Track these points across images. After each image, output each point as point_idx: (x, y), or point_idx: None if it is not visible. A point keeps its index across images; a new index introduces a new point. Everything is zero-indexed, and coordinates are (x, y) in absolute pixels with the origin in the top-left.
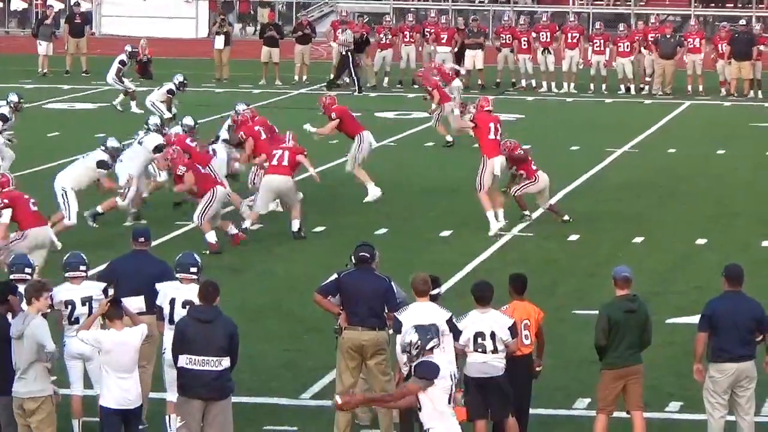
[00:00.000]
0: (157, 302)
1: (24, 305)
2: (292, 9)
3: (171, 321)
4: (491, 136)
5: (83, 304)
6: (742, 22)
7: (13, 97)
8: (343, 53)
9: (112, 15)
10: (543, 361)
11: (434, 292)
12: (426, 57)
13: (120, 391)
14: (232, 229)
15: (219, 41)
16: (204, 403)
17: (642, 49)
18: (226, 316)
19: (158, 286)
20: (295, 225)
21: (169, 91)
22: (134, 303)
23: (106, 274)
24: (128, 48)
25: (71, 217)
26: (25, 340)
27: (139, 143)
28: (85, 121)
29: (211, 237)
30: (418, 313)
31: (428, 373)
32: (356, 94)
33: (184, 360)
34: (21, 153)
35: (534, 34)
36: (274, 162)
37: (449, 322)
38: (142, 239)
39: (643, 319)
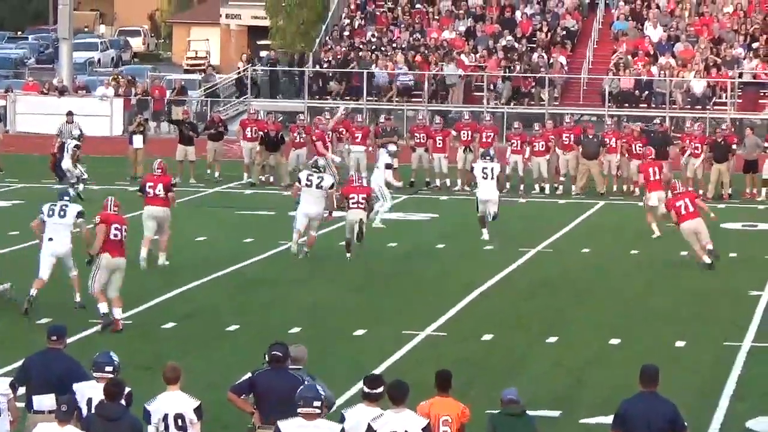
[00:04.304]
0: (77, 402)
1: None
2: (207, 106)
3: None
4: None
5: None
6: (656, 121)
7: None
8: (73, 146)
9: (27, 113)
10: None
11: (378, 390)
12: (339, 156)
13: None
14: (104, 308)
15: (137, 140)
16: None
17: (557, 149)
18: (132, 415)
19: (75, 386)
20: None
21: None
22: (45, 401)
23: (19, 371)
24: (76, 132)
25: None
26: None
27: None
28: (0, 218)
29: (103, 308)
30: (167, 401)
31: None
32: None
33: None
34: None
35: (454, 133)
36: None
37: (197, 410)
38: (54, 337)
39: None
